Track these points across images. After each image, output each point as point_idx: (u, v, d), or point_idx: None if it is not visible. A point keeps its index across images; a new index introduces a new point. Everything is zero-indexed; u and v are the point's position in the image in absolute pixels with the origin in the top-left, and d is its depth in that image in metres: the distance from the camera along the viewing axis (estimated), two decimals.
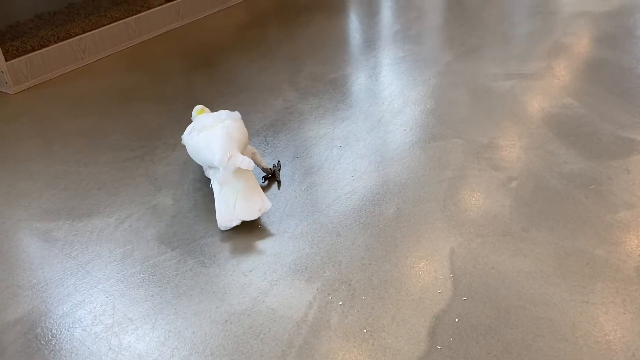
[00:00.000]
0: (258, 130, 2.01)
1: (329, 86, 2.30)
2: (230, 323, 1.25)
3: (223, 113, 1.65)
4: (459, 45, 2.60)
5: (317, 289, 1.33)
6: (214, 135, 1.54)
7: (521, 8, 3.10)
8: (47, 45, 2.56)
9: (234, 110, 1.71)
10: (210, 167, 1.58)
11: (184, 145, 1.70)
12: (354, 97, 2.22)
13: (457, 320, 1.22)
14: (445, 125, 1.96)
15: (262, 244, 1.47)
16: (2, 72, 2.36)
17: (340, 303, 1.28)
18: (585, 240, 1.43)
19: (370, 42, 2.72)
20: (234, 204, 1.48)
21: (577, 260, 1.36)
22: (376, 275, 1.35)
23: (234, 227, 1.51)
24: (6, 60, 2.37)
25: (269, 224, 1.54)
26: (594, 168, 1.70)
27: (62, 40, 2.60)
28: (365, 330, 1.21)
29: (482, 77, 2.29)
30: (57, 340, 1.24)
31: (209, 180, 1.69)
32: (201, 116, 1.68)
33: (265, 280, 1.36)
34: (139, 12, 2.89)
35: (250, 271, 1.39)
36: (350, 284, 1.33)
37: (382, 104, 2.14)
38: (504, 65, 2.39)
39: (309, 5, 3.28)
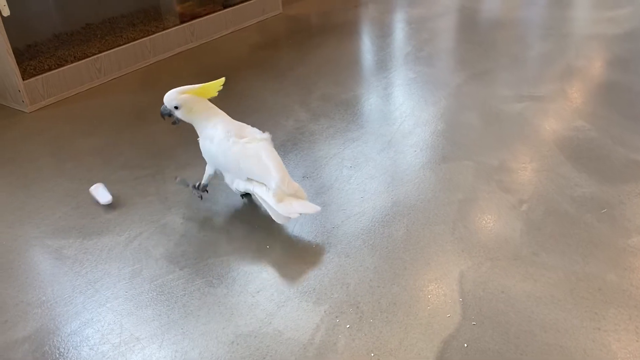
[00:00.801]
0: None
1: (340, 107, 2.31)
2: (237, 344, 1.25)
3: (255, 130, 1.63)
4: (470, 67, 2.61)
5: (325, 311, 1.32)
6: (269, 152, 1.56)
7: (533, 30, 3.11)
8: (63, 65, 2.60)
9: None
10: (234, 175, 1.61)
11: (209, 143, 1.61)
12: (365, 117, 2.22)
13: (465, 345, 1.21)
14: (456, 147, 1.96)
15: (270, 265, 1.47)
16: (19, 91, 2.40)
17: (348, 326, 1.27)
18: (597, 265, 1.41)
19: (382, 63, 2.74)
20: (290, 201, 1.51)
21: (588, 286, 1.34)
22: (385, 298, 1.34)
23: (242, 247, 1.52)
24: (23, 80, 2.41)
25: (277, 245, 1.54)
26: (606, 192, 1.68)
27: (79, 59, 2.65)
28: (372, 354, 1.20)
29: (493, 99, 2.29)
30: (64, 358, 1.24)
31: (219, 199, 1.71)
32: (231, 123, 1.63)
33: (273, 302, 1.36)
34: (154, 32, 2.94)
35: (258, 292, 1.39)
36: (358, 307, 1.32)
37: (393, 124, 2.14)
38: (516, 87, 2.39)
39: (321, 28, 3.31)
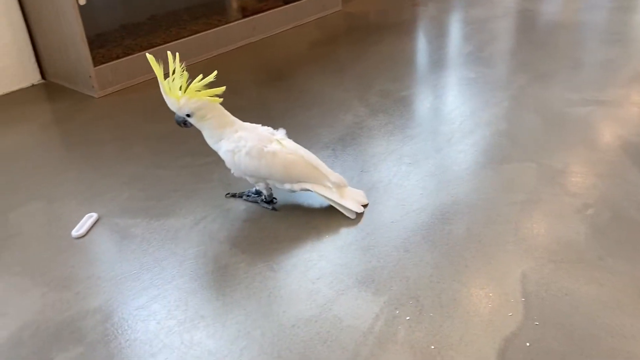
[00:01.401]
0: (327, 144, 2.04)
1: (399, 104, 2.31)
2: (298, 328, 1.27)
3: (269, 129, 1.63)
4: (533, 70, 2.56)
5: (384, 302, 1.33)
6: (305, 151, 1.63)
7: (597, 34, 3.03)
8: (130, 54, 2.70)
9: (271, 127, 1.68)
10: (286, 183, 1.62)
11: (240, 157, 1.57)
12: (424, 115, 2.22)
13: (528, 344, 1.20)
14: (518, 148, 1.93)
15: (329, 254, 1.49)
16: (89, 76, 2.51)
17: (408, 318, 1.28)
18: None
19: (441, 62, 2.72)
20: (352, 196, 1.65)
21: None
22: (445, 294, 1.34)
23: (302, 235, 1.56)
24: (94, 66, 2.52)
25: (337, 235, 1.56)
26: None
27: (145, 49, 2.74)
28: (432, 347, 1.20)
29: (556, 102, 2.24)
30: (132, 330, 1.30)
31: (279, 188, 1.74)
32: (252, 130, 1.60)
33: (332, 289, 1.38)
34: (217, 25, 3.01)
35: (318, 279, 1.41)
36: (418, 300, 1.33)
37: (453, 123, 2.13)
38: (580, 91, 2.33)
39: (379, 25, 3.32)
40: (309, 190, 1.63)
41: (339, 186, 1.63)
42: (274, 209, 1.69)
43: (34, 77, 2.73)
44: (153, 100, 2.49)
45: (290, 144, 1.63)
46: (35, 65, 2.72)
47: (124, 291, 1.41)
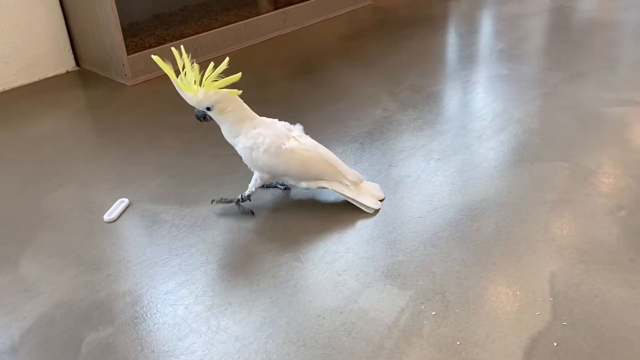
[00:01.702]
0: (355, 137, 2.04)
1: (429, 99, 2.30)
2: (323, 318, 1.28)
3: (286, 124, 1.62)
4: (567, 68, 2.52)
5: (410, 297, 1.33)
6: (327, 151, 1.63)
7: (635, 34, 2.95)
8: (163, 44, 2.74)
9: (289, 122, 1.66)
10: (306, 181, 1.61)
11: (258, 153, 1.55)
12: (454, 111, 2.20)
13: (555, 344, 1.18)
14: (550, 147, 1.91)
15: (356, 247, 1.50)
16: (123, 64, 2.55)
17: (434, 313, 1.28)
18: None
19: (473, 58, 2.69)
20: (368, 191, 1.65)
21: None
22: (472, 290, 1.33)
23: (328, 227, 1.57)
24: (127, 54, 2.55)
25: (363, 228, 1.56)
26: None
27: (177, 39, 2.77)
28: (458, 343, 1.20)
29: (591, 102, 2.20)
30: (161, 314, 1.32)
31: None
32: (271, 125, 1.59)
33: (358, 282, 1.38)
34: (248, 17, 3.03)
35: (344, 271, 1.42)
36: (444, 296, 1.32)
37: (483, 120, 2.11)
38: (616, 91, 2.28)
39: (410, 20, 3.29)
40: (325, 187, 1.62)
41: (355, 183, 1.63)
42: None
43: (69, 64, 2.79)
44: None
45: (307, 141, 1.62)
46: (70, 53, 2.78)
47: (154, 275, 1.44)
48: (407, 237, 1.52)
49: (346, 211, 1.63)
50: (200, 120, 1.58)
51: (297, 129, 1.64)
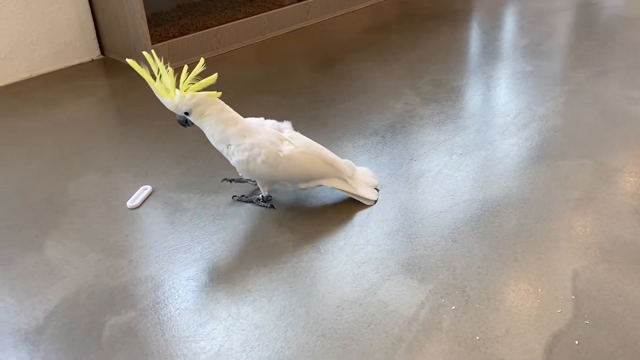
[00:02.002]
0: (376, 130, 2.04)
1: (452, 94, 2.28)
2: (342, 309, 1.28)
3: (274, 123, 1.57)
4: (593, 65, 2.48)
5: (430, 290, 1.32)
6: (322, 148, 1.60)
7: None
8: (186, 34, 2.75)
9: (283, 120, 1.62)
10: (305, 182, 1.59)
11: (255, 164, 1.50)
12: (477, 106, 2.18)
13: (577, 342, 1.17)
14: (575, 144, 1.88)
15: (376, 239, 1.50)
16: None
17: (453, 307, 1.27)
18: None
19: (496, 54, 2.66)
20: (362, 180, 1.66)
21: None
22: (492, 286, 1.33)
23: (348, 219, 1.57)
24: (151, 44, 2.57)
25: (383, 222, 1.56)
26: None
27: (201, 30, 2.79)
28: (477, 338, 1.20)
29: (617, 100, 2.17)
30: (182, 300, 1.34)
31: None
32: (260, 130, 1.52)
33: (378, 274, 1.38)
34: (271, 9, 3.03)
35: (364, 263, 1.42)
36: (464, 291, 1.32)
37: (507, 116, 2.09)
38: None
39: (432, 15, 3.27)
40: (321, 185, 1.61)
41: (351, 177, 1.61)
42: (272, 206, 1.62)
43: (94, 53, 2.82)
44: None
45: (300, 141, 1.56)
46: (95, 41, 2.81)
47: (175, 262, 1.45)
48: (428, 231, 1.52)
49: (368, 205, 1.63)
50: (183, 126, 1.53)
51: (287, 128, 1.58)
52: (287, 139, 1.54)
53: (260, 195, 1.63)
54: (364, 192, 1.63)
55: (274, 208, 1.63)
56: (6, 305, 1.34)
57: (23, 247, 1.53)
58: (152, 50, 1.45)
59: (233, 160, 1.52)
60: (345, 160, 1.64)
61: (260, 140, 1.50)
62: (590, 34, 2.88)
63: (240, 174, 1.57)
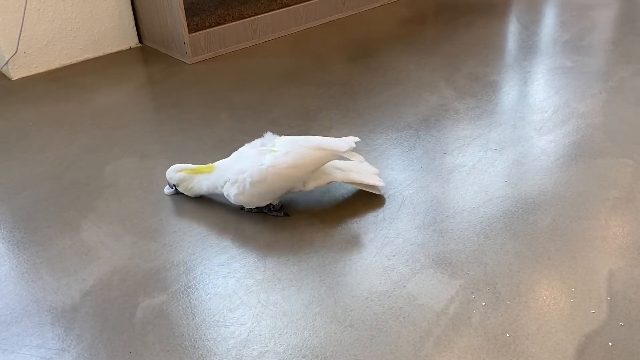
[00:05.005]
0: (410, 123, 2.02)
1: (488, 88, 2.24)
2: (371, 301, 1.29)
3: (252, 143, 1.57)
4: (636, 62, 2.40)
5: (460, 286, 1.31)
6: (310, 138, 1.55)
7: None
8: (223, 23, 2.77)
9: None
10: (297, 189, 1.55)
11: (253, 191, 1.49)
12: (514, 102, 2.14)
13: (610, 344, 1.15)
14: (615, 143, 1.83)
15: (406, 233, 1.49)
16: (184, 42, 2.60)
17: (484, 303, 1.26)
18: None
19: (535, 48, 2.61)
20: (365, 170, 1.65)
21: None
22: (524, 283, 1.31)
23: (378, 212, 1.57)
24: (189, 33, 2.61)
25: (414, 215, 1.55)
26: None
27: (237, 20, 2.80)
28: (507, 335, 1.18)
29: None
30: (213, 285, 1.36)
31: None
32: (224, 162, 1.58)
33: (408, 267, 1.38)
34: (308, 0, 3.03)
35: (394, 256, 1.41)
36: (495, 287, 1.30)
37: (545, 112, 2.04)
38: None
39: (470, 8, 3.21)
40: (331, 182, 1.57)
41: (353, 154, 1.55)
42: (285, 214, 1.58)
43: (132, 41, 2.87)
44: (241, 69, 2.56)
45: (282, 143, 1.53)
46: (134, 30, 2.85)
47: (207, 248, 1.47)
48: (460, 227, 1.50)
49: (395, 198, 1.63)
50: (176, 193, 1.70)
51: (269, 139, 1.55)
52: (270, 149, 1.52)
53: (272, 205, 1.58)
54: (368, 179, 1.60)
55: (288, 216, 1.58)
56: (44, 284, 1.39)
57: (61, 228, 1.57)
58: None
59: (232, 200, 1.54)
60: (340, 139, 1.55)
61: (240, 167, 1.51)
62: (635, 29, 2.79)
63: (247, 209, 1.58)
